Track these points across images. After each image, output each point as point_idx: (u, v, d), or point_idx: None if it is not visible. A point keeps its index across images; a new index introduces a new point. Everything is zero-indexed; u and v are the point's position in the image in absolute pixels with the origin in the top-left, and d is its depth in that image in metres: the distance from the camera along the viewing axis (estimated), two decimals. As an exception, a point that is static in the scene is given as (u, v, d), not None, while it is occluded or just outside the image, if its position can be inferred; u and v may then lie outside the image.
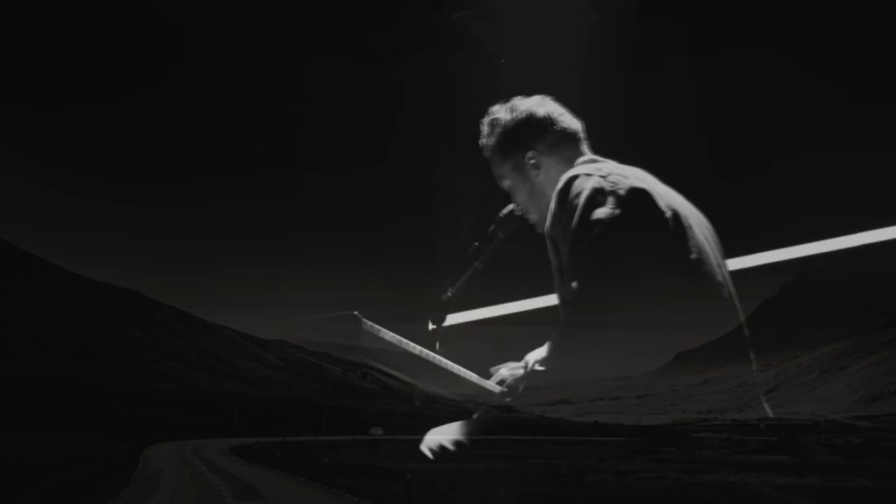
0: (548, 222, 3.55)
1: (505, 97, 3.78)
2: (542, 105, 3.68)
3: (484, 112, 3.83)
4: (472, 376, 4.06)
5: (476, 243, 3.95)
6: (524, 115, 3.66)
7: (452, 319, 4.15)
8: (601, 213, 3.47)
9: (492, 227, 3.93)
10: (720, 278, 3.35)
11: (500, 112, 3.67)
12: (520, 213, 3.89)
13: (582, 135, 3.68)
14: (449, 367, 3.99)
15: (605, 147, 3.80)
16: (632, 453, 40.17)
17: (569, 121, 3.74)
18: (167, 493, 16.56)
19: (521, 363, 3.81)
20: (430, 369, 4.00)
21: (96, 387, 71.21)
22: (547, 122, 3.67)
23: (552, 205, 3.50)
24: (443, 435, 3.85)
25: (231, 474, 22.51)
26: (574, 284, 3.40)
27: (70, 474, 19.57)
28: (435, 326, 4.16)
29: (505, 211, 3.92)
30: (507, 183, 3.74)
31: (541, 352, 3.74)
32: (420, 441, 3.91)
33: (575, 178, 3.49)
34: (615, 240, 3.33)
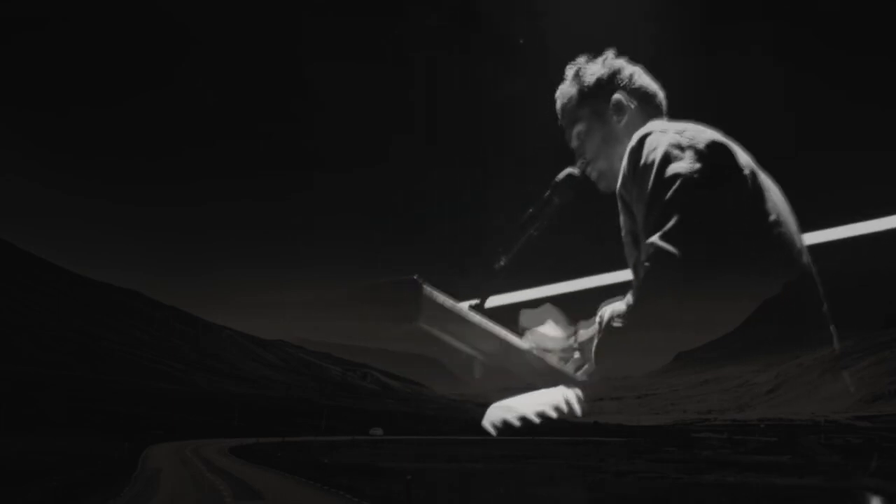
0: (619, 182, 3.45)
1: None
2: (632, 64, 3.62)
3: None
4: (529, 347, 3.86)
5: (530, 210, 3.80)
6: (616, 65, 3.60)
7: (494, 301, 3.96)
8: (680, 167, 3.35)
9: (547, 193, 3.78)
10: (799, 246, 3.24)
11: (590, 62, 3.58)
12: (580, 173, 3.73)
13: (662, 101, 3.60)
14: (509, 340, 3.81)
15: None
16: (632, 453, 40.15)
17: (653, 84, 3.67)
18: (167, 494, 16.55)
19: (595, 318, 3.58)
20: (489, 339, 3.83)
21: (96, 387, 71.20)
22: (635, 77, 3.60)
23: (624, 163, 3.40)
24: (507, 411, 3.70)
25: (231, 474, 22.50)
26: (652, 239, 3.25)
27: (70, 474, 19.55)
28: (476, 302, 3.93)
29: (562, 175, 3.79)
30: (579, 128, 3.61)
31: (619, 306, 3.52)
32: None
33: (648, 135, 3.39)
34: (697, 194, 3.20)
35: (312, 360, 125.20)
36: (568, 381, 3.81)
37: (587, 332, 3.80)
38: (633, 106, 3.66)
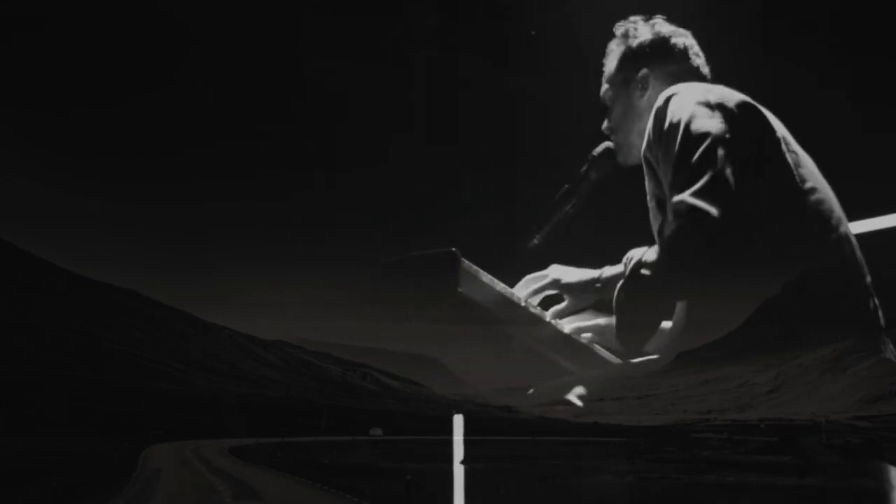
0: (644, 145, 3.40)
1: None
2: (683, 37, 3.53)
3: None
4: (562, 326, 3.84)
5: (566, 185, 3.72)
6: (662, 36, 3.51)
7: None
8: (710, 125, 3.28)
9: (584, 168, 3.72)
10: (838, 215, 3.13)
11: (640, 24, 3.51)
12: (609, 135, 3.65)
13: (707, 76, 3.51)
14: (544, 317, 3.80)
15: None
16: (632, 453, 40.12)
17: (699, 61, 3.57)
18: (167, 494, 16.54)
19: (624, 259, 3.50)
20: (527, 318, 3.82)
21: (96, 387, 71.16)
22: (678, 53, 3.49)
23: (649, 124, 3.34)
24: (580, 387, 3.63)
25: (230, 475, 22.48)
26: (683, 196, 3.17)
27: (70, 474, 19.56)
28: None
29: (599, 149, 3.74)
30: (609, 93, 3.56)
31: (649, 255, 3.45)
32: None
33: (675, 94, 3.31)
34: (728, 153, 3.11)
35: (312, 361, 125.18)
36: (596, 359, 3.78)
37: (613, 269, 3.78)
38: (661, 87, 3.57)
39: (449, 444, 46.49)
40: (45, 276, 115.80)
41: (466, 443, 47.38)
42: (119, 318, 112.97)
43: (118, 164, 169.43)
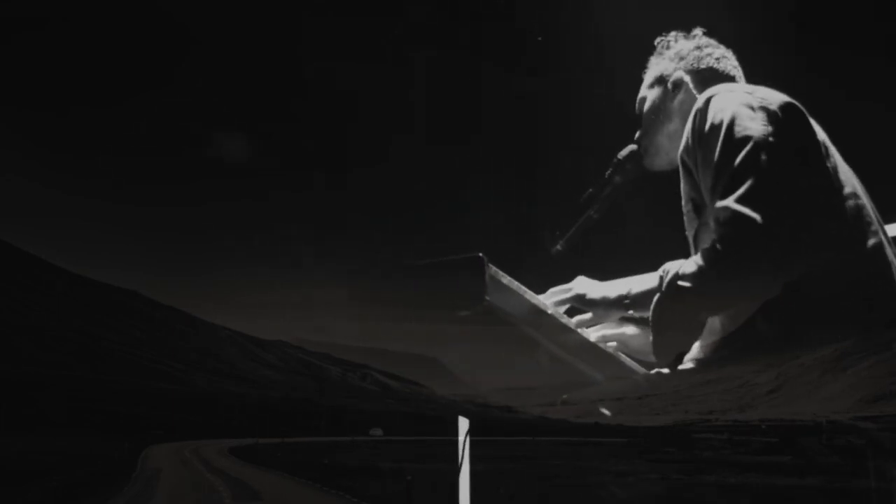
0: (681, 147, 3.40)
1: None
2: (720, 48, 3.56)
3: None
4: (588, 334, 3.86)
5: (590, 189, 3.74)
6: (699, 45, 3.55)
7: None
8: (752, 129, 3.28)
9: (609, 171, 3.74)
10: (876, 222, 3.15)
11: (679, 38, 3.55)
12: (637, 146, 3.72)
13: (741, 78, 3.51)
14: (570, 325, 3.80)
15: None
16: (633, 454, 40.07)
17: (734, 69, 3.57)
18: (166, 494, 16.51)
19: (658, 272, 3.53)
20: (551, 323, 3.84)
21: (96, 387, 71.13)
22: (714, 60, 3.53)
23: (688, 125, 3.35)
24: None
25: (230, 475, 22.46)
26: (727, 203, 3.18)
27: (70, 474, 19.53)
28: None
29: (624, 152, 3.75)
30: (642, 95, 3.57)
31: (687, 266, 3.44)
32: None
33: (716, 94, 3.31)
34: (772, 158, 3.12)
35: (312, 361, 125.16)
36: (623, 369, 3.80)
37: (641, 286, 3.75)
38: (692, 85, 3.59)
39: (449, 445, 46.31)
40: (45, 276, 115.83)
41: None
42: (119, 318, 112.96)
43: (118, 164, 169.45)
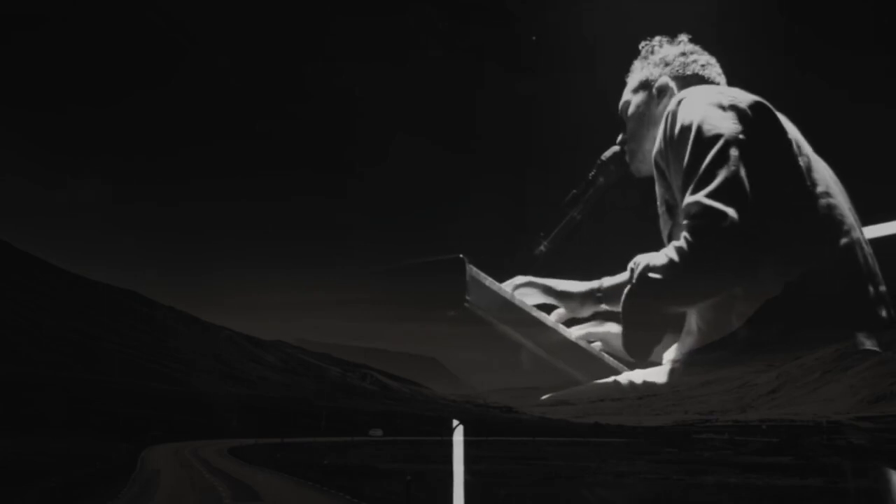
0: (655, 149, 3.36)
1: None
2: (704, 54, 3.50)
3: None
4: (570, 334, 3.83)
5: (574, 191, 3.70)
6: (684, 51, 3.50)
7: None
8: (722, 127, 3.23)
9: (592, 173, 3.69)
10: (850, 221, 3.09)
11: (664, 43, 3.51)
12: (620, 149, 3.67)
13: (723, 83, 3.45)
14: (551, 325, 3.77)
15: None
16: (633, 454, 40.03)
17: (718, 77, 3.50)
18: (166, 494, 16.45)
19: (629, 265, 3.50)
20: (532, 324, 3.81)
21: (95, 387, 70.98)
22: (699, 66, 3.47)
23: (660, 128, 3.31)
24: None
25: (229, 475, 22.40)
26: (697, 197, 3.13)
27: (68, 475, 19.46)
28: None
29: (608, 153, 3.70)
30: (627, 105, 3.52)
31: (656, 259, 3.43)
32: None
33: (686, 97, 3.27)
34: (740, 153, 3.07)
35: (311, 361, 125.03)
36: (605, 368, 3.75)
37: (613, 279, 3.69)
38: (677, 92, 3.50)
39: (449, 445, 46.38)
40: (44, 276, 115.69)
41: (466, 443, 47.28)
42: (119, 318, 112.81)
43: (117, 164, 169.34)
